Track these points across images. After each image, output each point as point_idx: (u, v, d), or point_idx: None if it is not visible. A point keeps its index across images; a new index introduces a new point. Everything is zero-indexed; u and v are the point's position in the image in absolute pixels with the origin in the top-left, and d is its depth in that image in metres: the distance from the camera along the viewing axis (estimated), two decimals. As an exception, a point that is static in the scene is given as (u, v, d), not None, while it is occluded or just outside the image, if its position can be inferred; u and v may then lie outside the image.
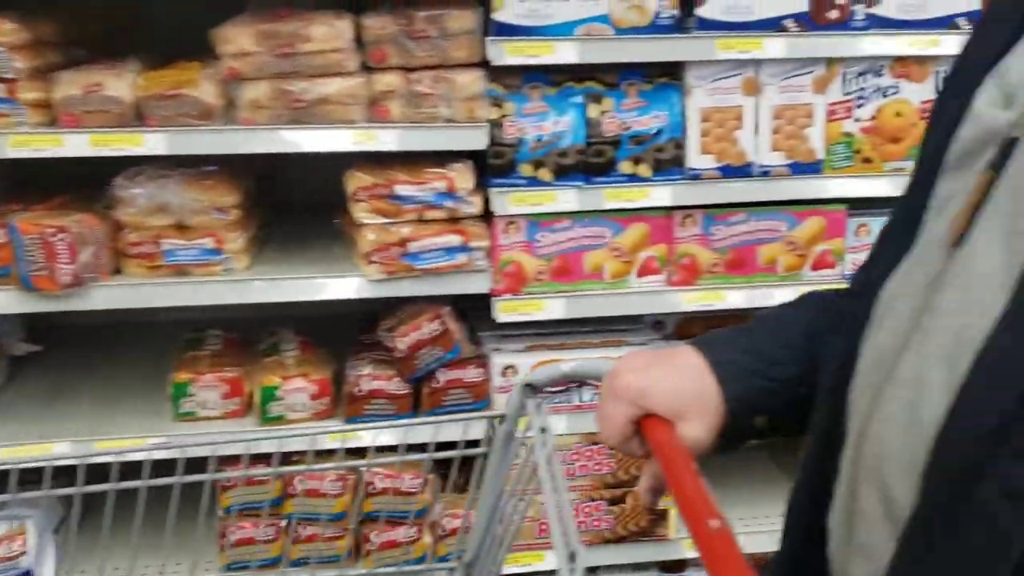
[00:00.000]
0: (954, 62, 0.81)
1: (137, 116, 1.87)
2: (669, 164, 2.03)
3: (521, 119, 1.98)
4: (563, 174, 2.00)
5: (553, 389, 2.06)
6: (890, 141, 2.09)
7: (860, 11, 2.00)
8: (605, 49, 1.94)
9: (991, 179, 0.66)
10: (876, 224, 2.12)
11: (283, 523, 2.03)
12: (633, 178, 2.02)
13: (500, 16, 1.90)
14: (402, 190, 1.93)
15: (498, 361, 2.06)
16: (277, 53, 1.86)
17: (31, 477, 1.09)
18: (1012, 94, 0.68)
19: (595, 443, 2.13)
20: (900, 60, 2.06)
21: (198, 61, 1.91)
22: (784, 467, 2.39)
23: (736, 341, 0.96)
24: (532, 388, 1.04)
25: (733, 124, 2.03)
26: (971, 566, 0.58)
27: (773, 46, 1.97)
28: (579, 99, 2.01)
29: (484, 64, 1.93)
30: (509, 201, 1.98)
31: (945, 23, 2.02)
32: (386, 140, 1.91)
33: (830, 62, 2.04)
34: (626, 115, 2.01)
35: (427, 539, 2.05)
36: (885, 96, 2.07)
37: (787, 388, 0.92)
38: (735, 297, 2.12)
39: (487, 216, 2.00)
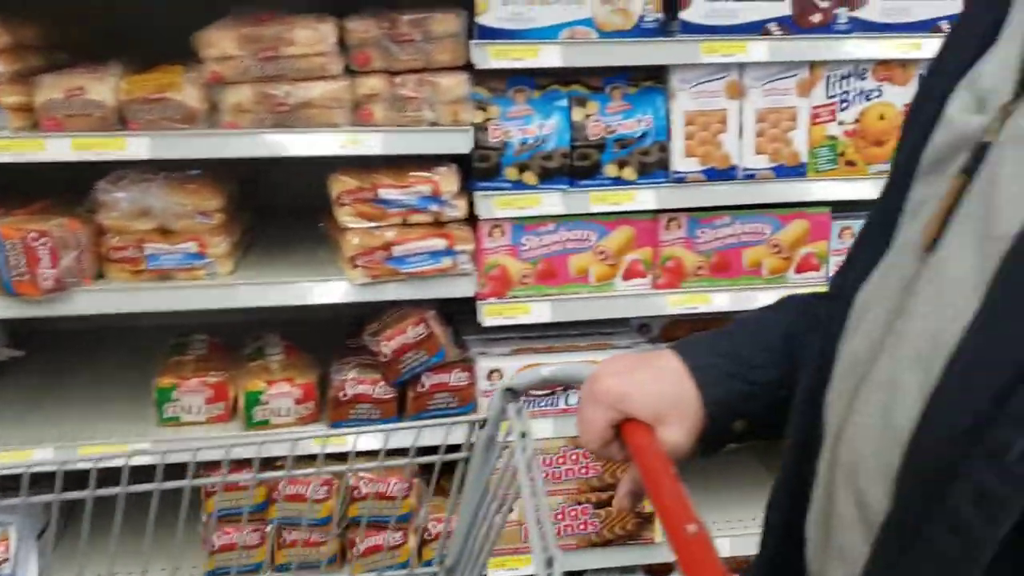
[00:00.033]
0: (929, 66, 0.82)
1: (120, 120, 1.87)
2: (654, 167, 2.03)
3: (506, 122, 1.98)
4: (548, 177, 2.00)
5: (539, 393, 2.07)
6: (874, 144, 2.10)
7: (843, 14, 2.01)
8: (589, 52, 1.94)
9: (964, 184, 0.66)
10: (860, 227, 2.12)
11: (268, 528, 2.03)
12: (618, 181, 2.02)
13: (484, 19, 1.90)
14: (386, 194, 1.93)
15: (483, 365, 2.06)
16: (260, 57, 1.85)
17: (13, 484, 1.08)
18: (984, 99, 0.69)
19: (581, 447, 2.13)
20: (883, 63, 2.06)
21: (181, 65, 1.91)
22: (772, 469, 2.40)
23: (716, 345, 0.96)
24: (513, 392, 1.04)
25: (717, 127, 2.03)
26: (943, 570, 0.58)
27: (757, 49, 1.98)
28: (564, 102, 2.01)
29: (468, 67, 1.93)
30: (494, 204, 1.98)
31: (928, 26, 2.03)
32: (370, 144, 1.91)
33: (813, 65, 2.04)
34: (611, 118, 2.01)
35: (412, 543, 2.05)
36: (868, 99, 2.08)
37: (767, 391, 0.92)
38: (720, 300, 2.12)
39: (472, 220, 2.00)
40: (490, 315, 2.03)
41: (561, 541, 2.14)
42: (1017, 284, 0.58)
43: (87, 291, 1.90)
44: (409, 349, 1.98)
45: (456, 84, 1.92)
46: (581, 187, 2.01)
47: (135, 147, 1.85)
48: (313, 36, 1.86)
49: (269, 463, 1.79)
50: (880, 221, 0.79)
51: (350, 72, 1.92)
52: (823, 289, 0.98)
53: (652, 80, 2.05)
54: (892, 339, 0.68)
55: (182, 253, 1.93)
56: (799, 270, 2.14)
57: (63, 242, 1.85)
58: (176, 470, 1.09)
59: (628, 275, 2.10)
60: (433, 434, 1.14)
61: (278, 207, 2.34)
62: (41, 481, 1.08)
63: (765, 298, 2.11)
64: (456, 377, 2.03)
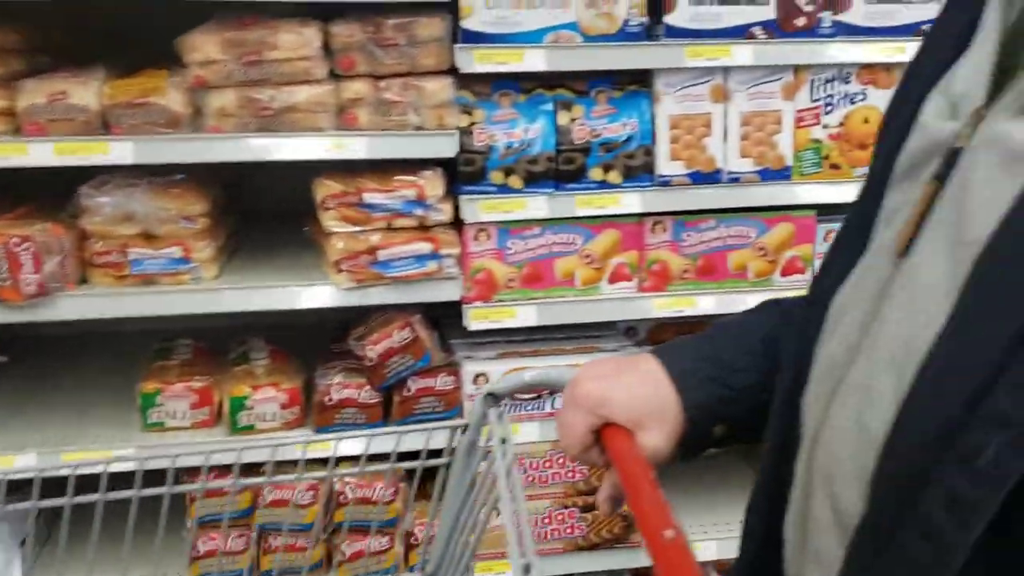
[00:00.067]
0: (905, 71, 0.82)
1: (103, 125, 1.86)
2: (639, 171, 2.03)
3: (491, 126, 1.98)
4: (533, 181, 2.00)
5: (525, 397, 2.07)
6: (858, 147, 2.10)
7: (827, 18, 2.02)
8: (574, 56, 1.95)
9: (936, 190, 0.66)
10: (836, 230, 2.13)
11: (253, 534, 2.02)
12: (603, 185, 2.03)
13: (469, 24, 1.90)
14: (371, 198, 1.92)
15: (469, 369, 2.05)
16: (244, 61, 1.85)
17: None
18: (957, 104, 0.69)
19: (561, 451, 2.13)
20: (867, 67, 2.07)
21: (165, 69, 1.90)
22: (758, 472, 2.40)
23: (696, 349, 0.96)
24: (495, 397, 1.04)
25: (702, 131, 2.04)
26: (916, 575, 0.58)
27: (741, 53, 1.98)
28: (549, 106, 2.01)
29: (453, 72, 1.93)
30: (479, 208, 1.98)
31: (911, 30, 2.04)
32: (355, 148, 1.90)
33: (798, 69, 2.05)
34: (596, 122, 2.02)
35: (398, 548, 2.04)
36: (853, 103, 2.09)
37: (747, 395, 0.92)
38: (706, 303, 2.12)
39: (457, 224, 2.00)
40: (476, 319, 2.03)
41: (548, 545, 2.14)
42: (988, 289, 0.58)
43: (70, 296, 1.89)
44: (395, 353, 1.98)
45: (441, 88, 1.92)
46: (566, 191, 2.01)
47: (119, 152, 1.84)
48: (297, 40, 1.86)
49: (254, 468, 1.78)
50: (857, 225, 0.79)
51: (335, 76, 1.91)
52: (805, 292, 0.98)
53: (637, 84, 2.05)
54: (867, 343, 0.68)
55: (166, 258, 1.92)
56: (784, 273, 2.15)
57: (46, 247, 1.84)
58: (159, 476, 1.09)
59: (614, 278, 2.10)
60: (418, 439, 1.14)
61: (263, 211, 2.33)
62: (26, 487, 1.08)
63: (751, 301, 2.07)
64: (442, 381, 2.02)
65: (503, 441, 0.94)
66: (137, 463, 0.99)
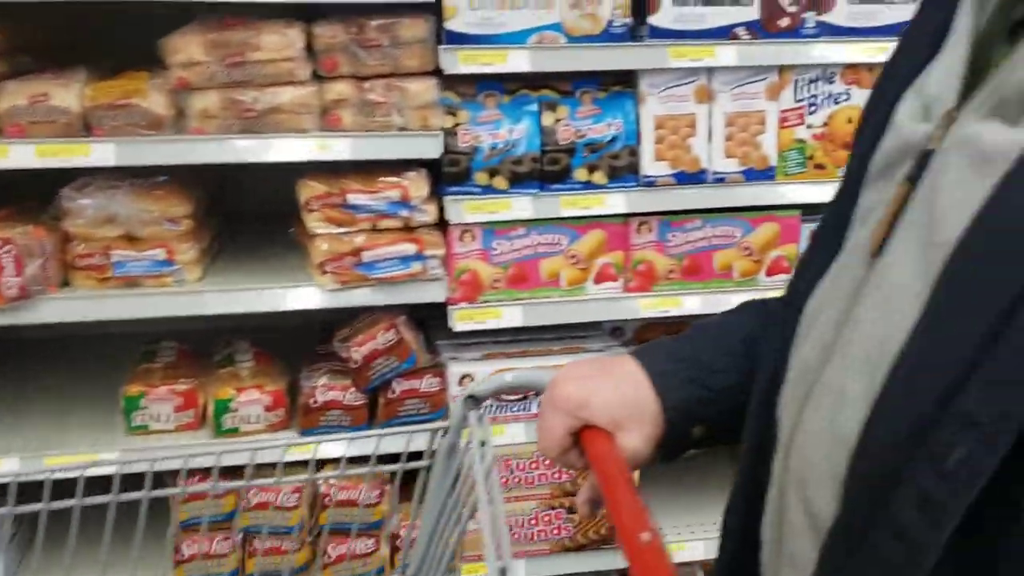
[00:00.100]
0: (881, 71, 0.82)
1: (85, 126, 1.85)
2: (624, 171, 2.03)
3: (475, 127, 1.98)
4: (518, 182, 1.99)
5: (511, 398, 2.07)
6: (842, 147, 2.11)
7: (811, 19, 2.02)
8: (558, 57, 1.94)
9: (908, 190, 0.66)
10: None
11: (238, 537, 2.01)
12: (588, 185, 2.02)
13: (452, 25, 1.90)
14: (355, 199, 1.92)
15: (455, 370, 2.05)
16: (227, 62, 1.84)
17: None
18: (930, 106, 0.69)
19: (540, 454, 2.13)
20: (851, 67, 2.08)
21: (146, 71, 1.89)
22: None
23: (675, 350, 0.96)
24: (475, 400, 1.03)
25: (687, 131, 2.04)
26: (887, 575, 0.58)
27: (725, 54, 1.98)
28: (534, 107, 2.01)
29: (437, 73, 1.93)
30: (464, 209, 1.97)
31: (894, 30, 2.04)
32: (339, 149, 1.90)
33: (782, 69, 2.05)
34: (581, 123, 2.02)
35: (384, 550, 2.04)
36: (837, 103, 2.09)
37: (726, 396, 0.92)
38: (692, 303, 2.12)
39: (442, 224, 2.00)
40: (461, 320, 2.03)
41: (534, 546, 2.14)
42: (958, 288, 0.58)
43: (52, 299, 1.88)
44: (379, 355, 1.97)
45: (425, 89, 1.91)
46: (551, 191, 2.01)
47: (100, 153, 1.83)
48: (280, 41, 1.85)
49: (240, 471, 1.77)
50: (833, 225, 0.79)
51: (318, 77, 1.91)
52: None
53: (622, 84, 2.05)
54: (840, 345, 0.68)
55: (149, 260, 1.91)
56: (770, 273, 2.15)
57: (28, 250, 1.83)
58: (142, 480, 1.08)
59: (599, 279, 2.10)
60: (402, 441, 1.13)
61: (248, 213, 2.33)
62: (6, 493, 1.07)
63: (736, 301, 2.06)
64: (427, 383, 2.02)
65: (482, 444, 0.94)
66: (116, 468, 0.99)
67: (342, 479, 1.96)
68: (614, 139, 2.02)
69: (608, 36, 1.96)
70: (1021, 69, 0.60)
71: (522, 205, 2.00)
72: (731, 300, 2.22)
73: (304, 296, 1.95)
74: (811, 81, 2.08)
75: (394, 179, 1.93)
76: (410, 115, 1.92)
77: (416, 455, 1.11)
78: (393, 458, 1.15)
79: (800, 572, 0.69)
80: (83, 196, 1.88)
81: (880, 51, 2.03)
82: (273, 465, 1.13)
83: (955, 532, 0.55)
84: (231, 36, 1.84)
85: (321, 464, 1.84)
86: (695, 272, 2.12)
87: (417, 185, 1.94)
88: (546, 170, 2.01)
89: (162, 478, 1.18)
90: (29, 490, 1.06)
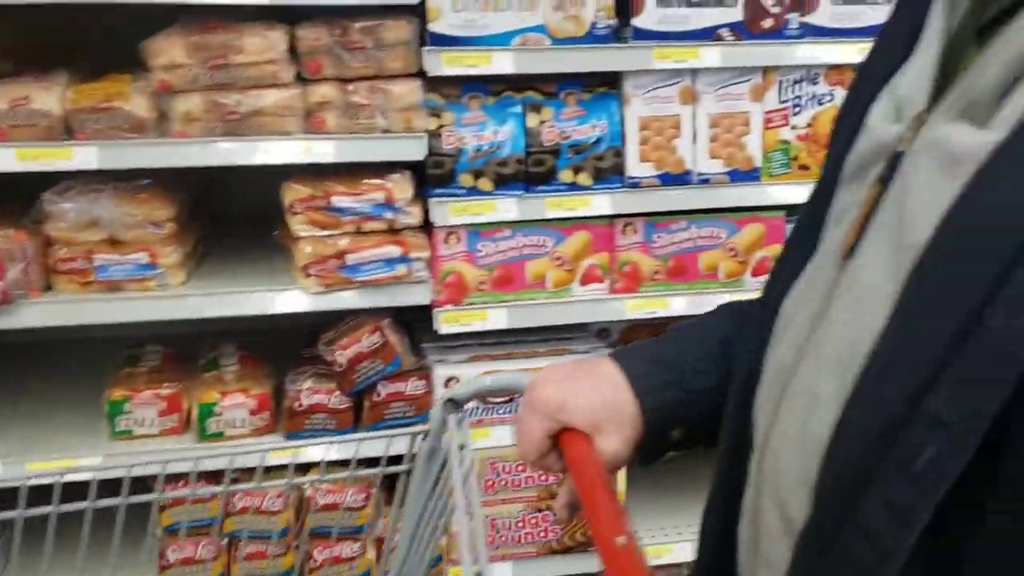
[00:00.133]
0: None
1: (66, 130, 1.84)
2: (609, 172, 2.03)
3: (460, 129, 1.97)
4: (503, 183, 1.99)
5: (496, 400, 2.06)
6: (826, 148, 2.10)
7: (794, 20, 2.03)
8: (542, 59, 1.94)
9: (880, 192, 0.66)
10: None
11: (224, 541, 2.00)
12: (573, 187, 2.02)
13: (436, 27, 1.90)
14: (339, 201, 1.91)
15: (441, 373, 2.04)
16: (209, 65, 1.83)
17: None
18: (901, 108, 0.69)
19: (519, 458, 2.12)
20: (835, 68, 2.08)
21: (129, 74, 1.88)
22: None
23: (654, 352, 0.95)
24: (455, 403, 1.03)
25: (671, 132, 2.04)
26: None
27: (709, 55, 1.98)
28: (518, 109, 2.01)
29: (421, 75, 1.93)
30: (449, 211, 1.97)
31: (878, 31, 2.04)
32: (322, 151, 1.89)
33: (766, 70, 2.06)
34: (565, 124, 2.01)
35: (371, 554, 2.03)
36: (820, 104, 2.10)
37: (705, 398, 0.92)
38: (678, 304, 2.12)
39: (427, 227, 1.99)
40: (446, 322, 2.02)
41: (521, 549, 2.13)
42: (927, 289, 0.58)
43: (35, 303, 1.87)
44: (364, 358, 1.97)
45: (408, 91, 1.91)
46: (536, 193, 2.01)
47: (82, 157, 1.82)
48: (263, 44, 1.85)
49: (224, 475, 1.77)
50: (808, 226, 0.79)
51: (301, 80, 1.90)
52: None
53: (606, 86, 2.05)
54: (813, 346, 0.68)
55: (132, 264, 1.90)
56: (755, 273, 2.15)
57: (9, 254, 1.82)
58: (116, 486, 1.07)
59: (585, 280, 2.10)
60: (392, 444, 1.12)
61: (234, 216, 2.32)
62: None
63: (722, 301, 2.10)
64: (412, 386, 2.01)
65: (461, 448, 0.94)
66: (92, 474, 0.98)
67: (328, 483, 1.96)
68: (599, 140, 2.02)
69: (592, 38, 1.96)
70: (989, 71, 0.60)
71: (507, 207, 1.99)
72: (717, 301, 2.21)
73: (289, 299, 1.94)
74: (795, 82, 2.08)
75: (378, 181, 1.93)
76: (394, 117, 1.92)
77: (400, 459, 1.11)
78: (379, 462, 1.15)
79: (776, 573, 0.69)
80: (65, 200, 1.88)
81: (864, 52, 2.03)
82: (266, 469, 1.13)
83: (924, 533, 0.55)
84: (213, 39, 1.83)
85: (308, 468, 1.84)
86: (680, 273, 2.13)
87: (401, 187, 1.93)
88: (531, 172, 2.00)
89: (145, 483, 1.18)
90: (12, 496, 1.05)
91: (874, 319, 0.61)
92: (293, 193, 1.91)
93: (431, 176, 1.97)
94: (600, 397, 0.91)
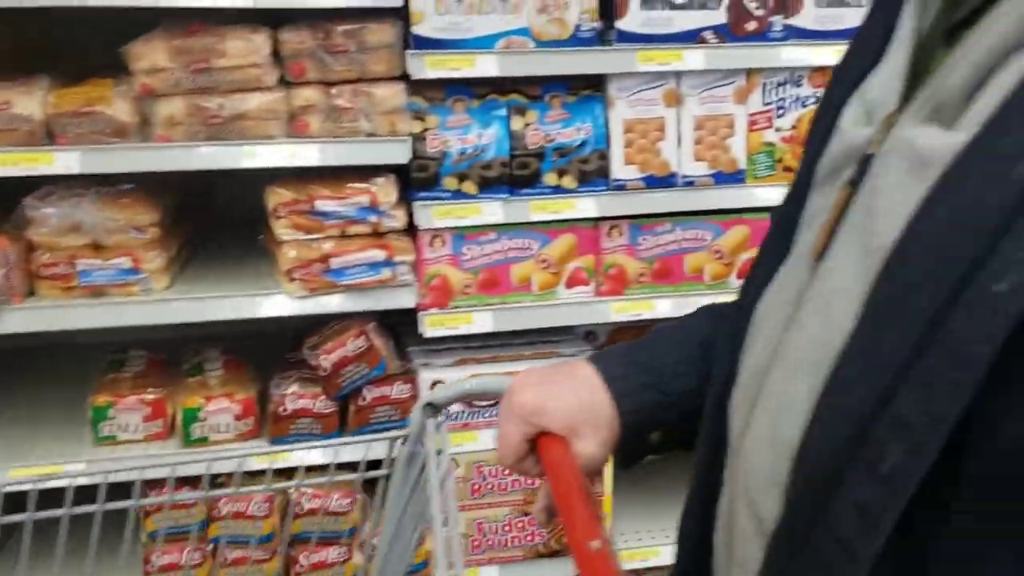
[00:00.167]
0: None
1: (48, 135, 1.83)
2: (594, 175, 2.03)
3: (444, 132, 1.97)
4: (487, 187, 1.99)
5: (482, 403, 2.06)
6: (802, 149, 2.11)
7: (778, 22, 2.03)
8: (526, 62, 1.94)
9: (850, 195, 0.66)
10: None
11: (210, 547, 1.99)
12: (558, 190, 2.02)
13: (420, 30, 1.89)
14: (323, 205, 1.91)
15: (426, 376, 2.04)
16: (192, 69, 1.82)
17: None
18: (872, 111, 0.69)
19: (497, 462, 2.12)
20: (818, 70, 2.09)
21: (111, 78, 1.87)
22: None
23: (632, 355, 0.95)
24: (433, 407, 1.03)
25: (656, 135, 2.04)
26: (828, 579, 0.58)
27: (693, 58, 1.99)
28: (503, 112, 2.01)
29: (405, 78, 1.92)
30: (433, 214, 1.97)
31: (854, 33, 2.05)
32: (306, 155, 1.89)
33: (750, 73, 2.06)
34: (550, 127, 2.01)
35: (357, 559, 2.02)
36: (805, 106, 2.10)
37: (684, 401, 0.92)
38: (663, 306, 2.12)
39: (411, 230, 1.99)
40: (432, 326, 2.02)
41: (508, 552, 2.13)
42: (894, 291, 0.58)
43: (17, 309, 1.86)
44: (349, 362, 1.96)
45: (392, 94, 1.91)
46: (521, 196, 2.01)
47: (64, 161, 1.81)
48: (246, 47, 1.84)
49: (211, 480, 1.76)
50: (782, 229, 0.79)
51: (285, 83, 1.90)
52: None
53: (591, 89, 2.05)
54: (785, 349, 0.68)
55: (115, 269, 1.89)
56: (741, 275, 2.15)
57: (-10, 260, 1.81)
58: (110, 492, 1.06)
59: (571, 283, 2.10)
60: (378, 448, 1.12)
61: (218, 220, 2.31)
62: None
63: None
64: (398, 389, 2.01)
65: (439, 452, 0.93)
66: (67, 481, 0.97)
67: (313, 488, 1.95)
68: (583, 143, 2.02)
69: (576, 41, 1.96)
70: (957, 72, 0.60)
71: (492, 210, 1.99)
72: (703, 303, 2.22)
73: (273, 304, 1.93)
74: (779, 84, 2.08)
75: (362, 185, 1.92)
76: (378, 120, 1.91)
77: (362, 465, 1.10)
78: (367, 466, 1.14)
79: (749, 575, 0.69)
80: (47, 205, 1.87)
81: (846, 54, 2.04)
82: (251, 474, 1.12)
83: (892, 533, 0.55)
84: (196, 42, 1.82)
85: (291, 472, 1.83)
86: (666, 275, 2.13)
87: (386, 191, 1.93)
88: (515, 175, 2.00)
89: (128, 489, 1.17)
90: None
91: (843, 321, 0.61)
92: (276, 197, 1.91)
93: (415, 179, 1.96)
94: (577, 400, 0.90)
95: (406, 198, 1.97)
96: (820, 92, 2.08)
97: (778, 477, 0.64)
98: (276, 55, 1.88)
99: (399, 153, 1.92)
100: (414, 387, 2.03)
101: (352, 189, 1.92)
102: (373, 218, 1.93)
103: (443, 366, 2.07)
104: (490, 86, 2.02)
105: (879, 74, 0.71)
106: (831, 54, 2.05)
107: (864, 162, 0.66)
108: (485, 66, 1.91)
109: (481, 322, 2.04)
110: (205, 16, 1.86)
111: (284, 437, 1.97)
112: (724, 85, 2.05)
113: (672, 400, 0.92)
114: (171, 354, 2.17)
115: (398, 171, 1.97)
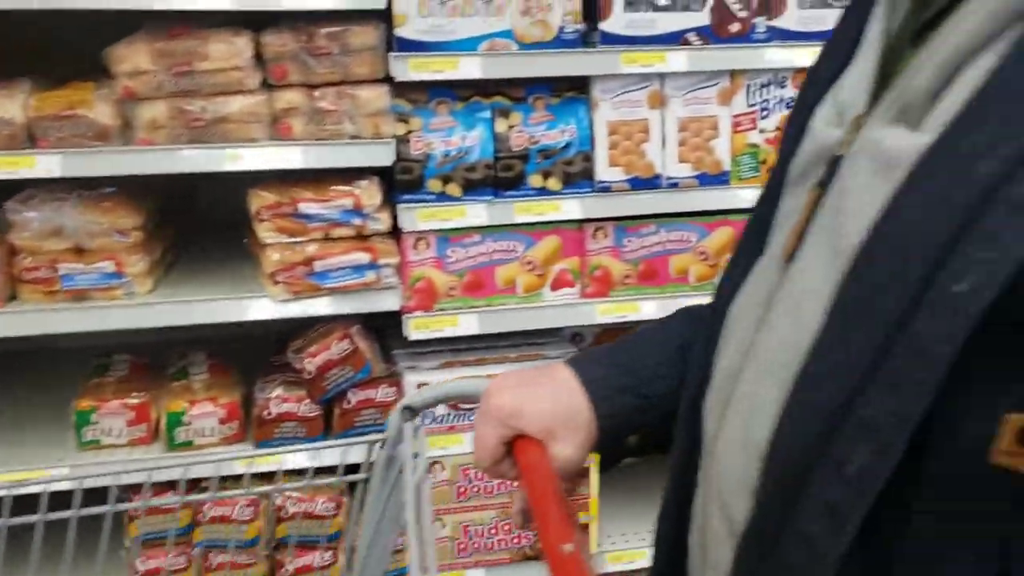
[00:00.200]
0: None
1: (29, 138, 1.82)
2: (578, 177, 2.03)
3: (428, 134, 1.97)
4: (472, 189, 1.99)
5: (467, 406, 2.05)
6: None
7: (761, 24, 2.03)
8: (509, 64, 1.94)
9: (819, 196, 0.66)
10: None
11: (194, 551, 1.98)
12: (543, 191, 2.02)
13: (403, 32, 1.89)
14: (307, 208, 1.90)
15: (412, 379, 2.04)
16: (174, 72, 1.82)
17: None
18: (843, 112, 0.69)
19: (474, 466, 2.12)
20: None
21: (92, 81, 1.86)
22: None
23: (610, 357, 0.95)
24: (411, 411, 1.02)
25: (640, 137, 2.04)
26: (795, 579, 0.58)
27: (676, 59, 1.99)
28: (487, 114, 2.01)
29: (388, 80, 1.92)
30: (418, 217, 1.96)
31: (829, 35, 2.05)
32: (289, 158, 1.88)
33: (734, 74, 2.06)
34: (534, 129, 2.01)
35: (343, 562, 2.02)
36: (788, 107, 2.09)
37: (663, 403, 0.92)
38: (649, 308, 2.12)
39: (396, 233, 1.98)
40: (417, 329, 2.01)
41: (494, 555, 2.13)
42: (860, 292, 0.58)
43: (-1, 314, 1.85)
44: (334, 366, 1.95)
45: (376, 97, 1.90)
46: (506, 198, 2.00)
47: (45, 165, 1.80)
48: (228, 50, 1.83)
49: (196, 483, 1.76)
50: (756, 230, 0.79)
51: (267, 86, 1.89)
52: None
53: (575, 90, 2.05)
54: (755, 351, 0.68)
55: (98, 272, 1.89)
56: (726, 277, 2.15)
57: (-29, 264, 1.80)
58: (91, 497, 1.06)
59: (556, 285, 2.10)
60: (358, 451, 1.11)
61: (202, 223, 2.30)
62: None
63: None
64: (383, 392, 2.00)
65: (415, 456, 0.93)
66: (41, 487, 0.97)
67: (298, 492, 1.94)
68: (568, 145, 2.02)
69: (560, 42, 1.96)
70: (922, 74, 0.60)
71: (476, 212, 1.99)
72: (688, 304, 2.22)
73: (257, 307, 1.93)
74: (763, 86, 2.09)
75: (346, 187, 1.92)
76: (361, 123, 1.91)
77: (341, 469, 1.10)
78: (350, 469, 1.14)
79: (720, 577, 0.69)
80: (28, 209, 1.86)
81: (830, 55, 2.05)
82: (235, 478, 1.12)
83: (859, 534, 0.55)
84: (178, 45, 1.82)
85: (248, 479, 1.82)
86: (651, 277, 2.13)
87: (369, 193, 1.92)
88: (500, 177, 2.00)
89: (117, 494, 1.16)
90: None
91: (812, 322, 0.61)
92: (259, 200, 1.90)
93: (399, 182, 1.96)
94: (554, 403, 0.90)
95: (390, 200, 1.97)
96: (804, 93, 2.11)
97: (749, 479, 0.65)
98: (259, 58, 1.87)
99: (383, 155, 1.92)
100: (399, 390, 2.02)
101: (336, 192, 1.91)
102: (357, 221, 1.93)
103: (428, 369, 2.07)
104: (474, 88, 2.02)
105: (850, 75, 0.71)
106: (815, 55, 2.04)
107: (834, 163, 0.66)
108: (468, 68, 1.91)
109: (466, 324, 2.04)
110: (187, 19, 1.85)
111: (269, 441, 1.97)
112: (708, 87, 2.05)
113: (651, 403, 0.92)
114: (155, 358, 2.16)
115: (382, 173, 1.97)
